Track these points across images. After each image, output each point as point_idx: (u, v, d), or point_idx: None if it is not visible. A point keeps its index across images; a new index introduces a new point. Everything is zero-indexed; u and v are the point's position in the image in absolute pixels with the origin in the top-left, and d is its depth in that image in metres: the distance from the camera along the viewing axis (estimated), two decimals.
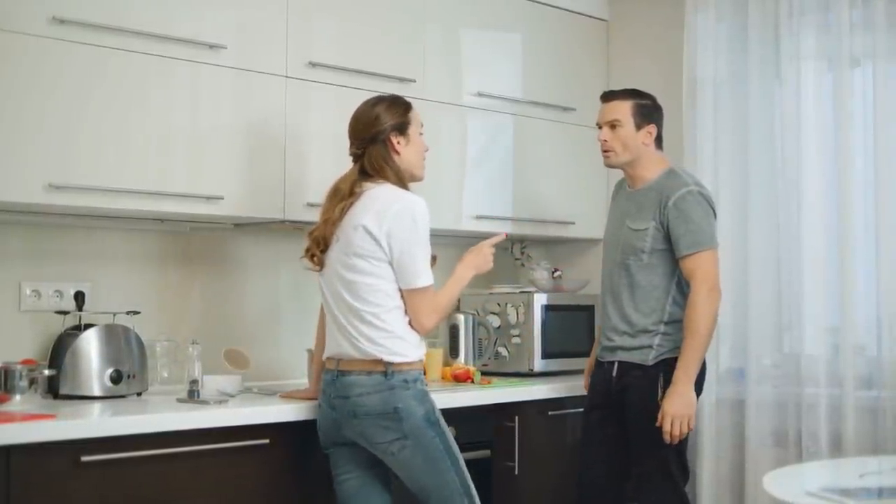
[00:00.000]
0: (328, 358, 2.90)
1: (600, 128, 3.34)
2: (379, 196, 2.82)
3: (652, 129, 3.30)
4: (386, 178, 2.87)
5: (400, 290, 2.83)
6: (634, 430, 3.22)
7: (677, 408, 3.11)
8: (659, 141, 3.34)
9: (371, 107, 2.92)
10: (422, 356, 2.88)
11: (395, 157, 2.89)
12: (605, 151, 3.34)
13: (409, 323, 2.85)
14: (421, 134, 2.97)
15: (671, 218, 3.19)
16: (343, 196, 2.85)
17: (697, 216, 3.18)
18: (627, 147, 3.29)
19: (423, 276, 2.81)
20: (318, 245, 2.87)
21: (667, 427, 3.11)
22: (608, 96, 3.37)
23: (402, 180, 2.89)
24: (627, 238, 3.29)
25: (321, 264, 2.88)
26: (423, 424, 2.81)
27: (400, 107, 2.93)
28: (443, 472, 2.82)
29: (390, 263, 2.80)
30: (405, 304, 2.84)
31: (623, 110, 3.29)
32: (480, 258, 3.01)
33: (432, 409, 2.85)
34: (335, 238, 2.84)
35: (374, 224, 2.77)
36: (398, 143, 2.89)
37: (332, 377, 2.85)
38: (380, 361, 2.79)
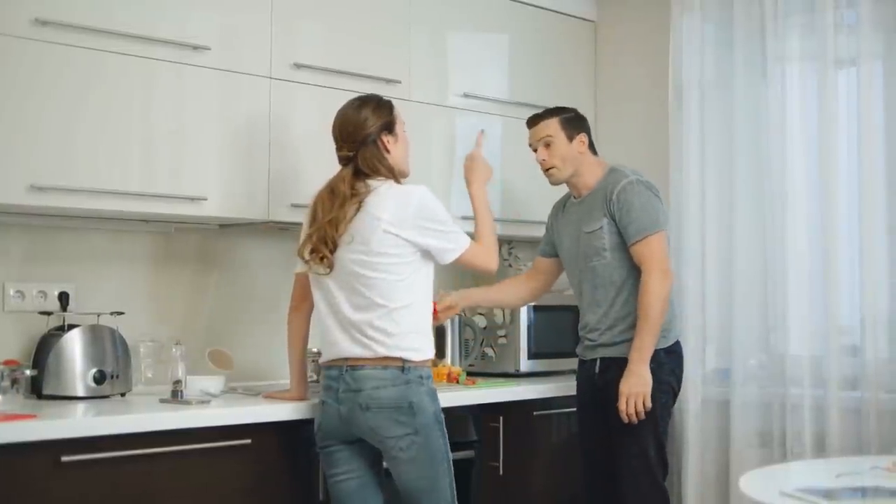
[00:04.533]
0: (333, 359, 2.90)
1: (535, 150, 3.46)
2: (389, 195, 2.88)
3: (583, 137, 3.41)
4: (383, 177, 2.92)
5: (422, 283, 2.91)
6: (616, 424, 3.24)
7: (632, 387, 3.18)
8: (592, 146, 3.45)
9: (357, 110, 2.95)
10: (432, 355, 2.94)
11: (387, 156, 2.94)
12: (547, 170, 3.45)
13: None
14: (405, 131, 3.03)
15: (616, 211, 3.28)
16: (345, 196, 2.87)
17: (639, 203, 3.26)
18: (566, 160, 3.40)
19: (461, 241, 2.94)
20: (327, 245, 2.87)
21: (622, 406, 3.19)
22: (533, 120, 3.47)
23: (395, 177, 2.94)
24: (587, 241, 3.36)
25: (331, 266, 2.88)
26: (433, 422, 2.86)
27: (385, 107, 2.99)
28: (439, 477, 2.86)
29: (420, 256, 2.88)
30: (464, 266, 3.01)
31: (552, 126, 3.41)
32: (482, 169, 3.19)
33: (439, 409, 2.90)
34: (348, 237, 2.86)
35: (396, 226, 2.83)
36: (388, 141, 2.95)
37: (339, 372, 2.86)
38: (396, 357, 2.83)
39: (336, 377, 2.87)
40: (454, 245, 2.93)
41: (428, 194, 2.91)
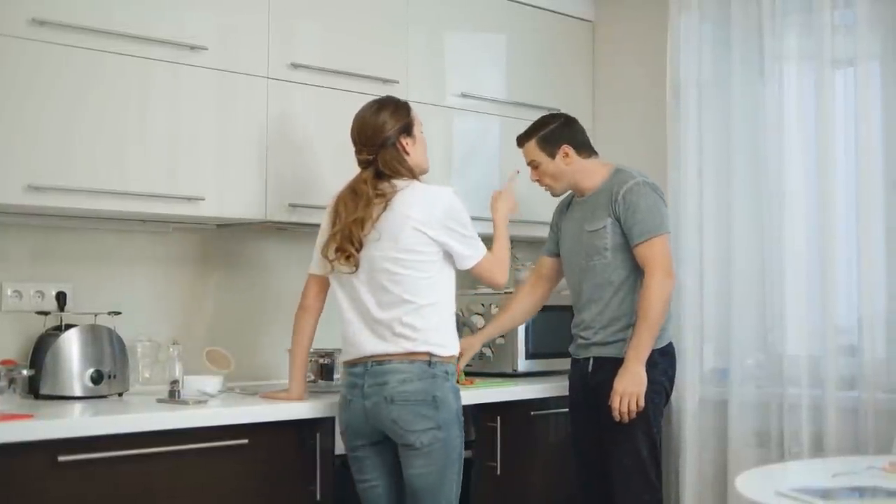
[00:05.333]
0: (357, 357, 2.91)
1: None
2: (417, 194, 2.91)
3: (566, 149, 3.39)
4: (405, 177, 2.94)
5: (446, 282, 2.96)
6: (608, 423, 3.25)
7: (626, 385, 3.19)
8: (584, 149, 3.43)
9: (376, 113, 2.98)
10: (457, 352, 2.98)
11: (407, 158, 2.97)
12: (543, 187, 3.48)
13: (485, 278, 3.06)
14: (422, 132, 3.06)
15: (621, 211, 3.28)
16: (369, 197, 2.90)
17: (645, 205, 3.27)
18: (556, 177, 3.43)
19: (479, 250, 3.00)
20: (353, 244, 2.88)
21: (615, 404, 3.19)
22: (518, 142, 3.49)
23: (416, 177, 2.98)
24: (589, 240, 3.37)
25: (357, 264, 2.89)
26: (454, 419, 2.89)
27: (402, 109, 3.02)
28: (448, 476, 2.88)
29: (443, 256, 2.92)
30: (475, 276, 3.08)
31: (532, 150, 3.43)
32: (510, 203, 3.29)
33: (461, 407, 2.93)
34: (375, 236, 2.88)
35: (424, 224, 2.87)
36: (407, 143, 2.98)
37: (363, 369, 2.88)
38: (423, 352, 2.85)
39: (361, 373, 2.89)
40: (472, 252, 2.98)
41: (455, 197, 2.95)
